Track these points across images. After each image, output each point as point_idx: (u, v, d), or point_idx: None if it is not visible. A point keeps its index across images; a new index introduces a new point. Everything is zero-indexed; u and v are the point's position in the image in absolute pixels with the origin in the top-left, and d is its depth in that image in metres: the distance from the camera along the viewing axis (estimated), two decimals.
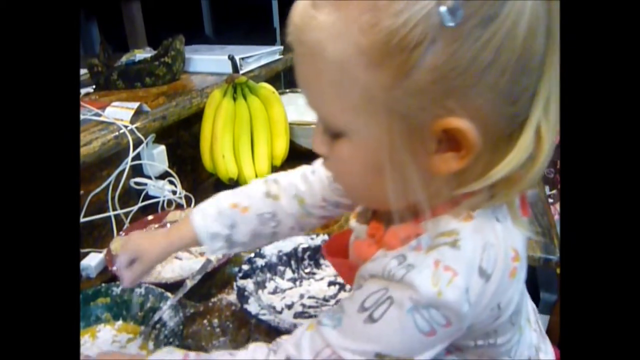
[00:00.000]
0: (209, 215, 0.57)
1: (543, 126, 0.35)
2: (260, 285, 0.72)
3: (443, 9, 0.30)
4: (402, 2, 0.30)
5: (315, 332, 0.40)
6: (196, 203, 0.95)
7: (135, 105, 0.88)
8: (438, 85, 0.32)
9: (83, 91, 1.05)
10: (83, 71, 1.20)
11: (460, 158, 0.35)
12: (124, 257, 0.58)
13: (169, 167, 0.95)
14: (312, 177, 0.58)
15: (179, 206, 0.94)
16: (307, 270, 0.76)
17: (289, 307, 0.69)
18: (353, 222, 0.49)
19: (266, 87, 1.02)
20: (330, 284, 0.74)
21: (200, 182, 1.10)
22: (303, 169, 0.60)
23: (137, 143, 0.87)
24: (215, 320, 0.67)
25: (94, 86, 1.11)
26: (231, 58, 1.03)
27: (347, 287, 0.72)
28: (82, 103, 0.94)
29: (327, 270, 0.76)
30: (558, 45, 0.33)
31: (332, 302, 0.70)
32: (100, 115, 0.87)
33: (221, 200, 0.59)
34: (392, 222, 0.41)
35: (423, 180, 0.36)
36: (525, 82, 0.33)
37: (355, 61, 0.32)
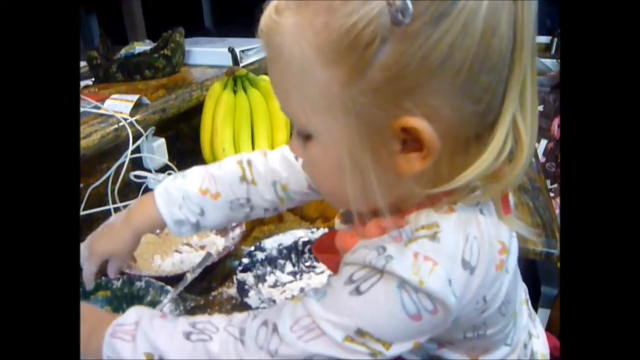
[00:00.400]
0: (174, 201, 0.55)
1: (520, 125, 0.35)
2: (261, 278, 0.72)
3: (392, 8, 0.30)
4: (354, 2, 0.31)
5: (298, 303, 0.40)
6: None
7: (135, 97, 0.88)
8: (392, 84, 0.32)
9: (82, 84, 1.05)
10: (82, 64, 1.19)
11: (423, 158, 0.35)
12: (93, 263, 0.58)
13: (169, 160, 0.95)
14: (297, 162, 0.56)
15: None
16: (307, 264, 0.76)
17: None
18: (337, 224, 0.48)
19: (267, 80, 1.01)
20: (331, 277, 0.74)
21: None
22: (282, 150, 0.59)
23: (137, 136, 0.86)
24: (216, 314, 0.67)
25: (93, 79, 1.10)
26: (231, 50, 1.02)
27: None
28: (81, 95, 0.93)
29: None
30: (530, 40, 0.33)
31: None
32: (99, 108, 0.87)
33: (188, 182, 0.56)
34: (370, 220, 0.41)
35: (386, 182, 0.36)
36: (486, 80, 0.33)
37: (313, 61, 0.33)
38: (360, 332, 0.36)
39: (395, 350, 0.37)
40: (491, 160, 0.34)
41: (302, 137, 0.39)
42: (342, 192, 0.38)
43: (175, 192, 0.55)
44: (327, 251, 0.50)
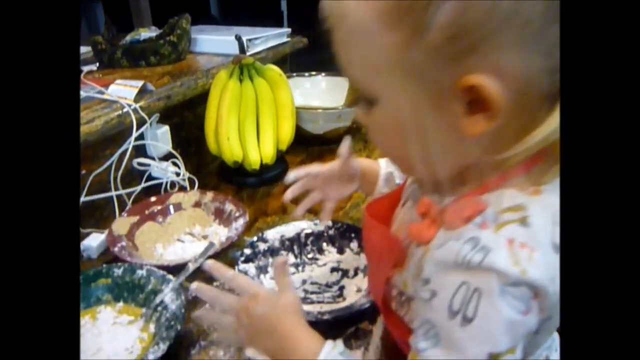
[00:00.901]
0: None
1: None
2: (262, 269, 0.71)
3: None
4: None
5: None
6: (200, 186, 0.95)
7: (140, 83, 0.87)
8: (454, 43, 0.31)
9: (86, 69, 1.03)
10: (87, 49, 1.18)
11: (488, 119, 0.33)
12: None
13: (173, 148, 0.94)
14: None
15: (182, 188, 0.93)
16: (309, 256, 0.75)
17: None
18: (409, 182, 0.48)
19: (273, 69, 1.00)
20: (333, 270, 0.73)
21: (204, 164, 1.08)
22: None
23: (141, 123, 0.85)
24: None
25: (97, 64, 1.09)
26: (238, 38, 1.00)
27: (350, 273, 0.72)
28: (84, 80, 0.92)
29: (330, 256, 0.76)
30: None
31: (335, 288, 0.70)
32: (103, 93, 0.85)
33: None
34: (441, 194, 0.40)
35: (449, 146, 0.36)
36: (557, 33, 0.31)
37: (375, 25, 0.33)
38: (493, 355, 0.34)
39: (522, 349, 0.35)
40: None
41: (366, 103, 0.39)
42: (406, 156, 0.38)
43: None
44: (378, 216, 0.48)
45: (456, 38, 0.31)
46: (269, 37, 1.27)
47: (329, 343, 0.45)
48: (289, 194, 0.70)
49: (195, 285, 0.53)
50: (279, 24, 2.79)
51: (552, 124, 0.33)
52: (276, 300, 0.50)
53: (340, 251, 0.76)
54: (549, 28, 0.31)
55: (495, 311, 0.33)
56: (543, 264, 0.33)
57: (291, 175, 0.70)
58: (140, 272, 0.67)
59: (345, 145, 0.66)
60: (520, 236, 0.33)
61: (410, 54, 0.33)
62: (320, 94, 1.28)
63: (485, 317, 0.33)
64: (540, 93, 0.34)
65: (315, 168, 0.70)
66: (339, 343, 0.45)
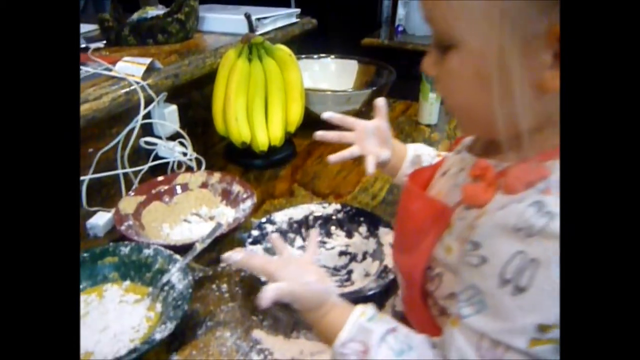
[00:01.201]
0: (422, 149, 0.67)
1: None
2: (270, 251, 0.70)
3: None
4: None
5: (462, 327, 0.37)
6: (207, 166, 0.94)
7: (148, 61, 0.85)
8: None
9: (93, 46, 1.02)
10: (93, 27, 1.16)
11: None
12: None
13: (180, 128, 0.92)
14: None
15: (189, 168, 0.92)
16: (317, 239, 0.74)
17: None
18: (465, 153, 0.46)
19: (283, 49, 0.98)
20: (341, 253, 0.72)
21: (212, 145, 1.07)
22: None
23: (149, 101, 0.84)
24: (224, 286, 0.66)
25: (104, 41, 1.07)
26: (247, 16, 0.98)
27: (359, 257, 0.71)
28: (91, 57, 0.90)
29: (338, 240, 0.75)
30: None
31: (343, 272, 0.69)
32: (110, 70, 0.84)
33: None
34: (501, 159, 0.39)
35: (529, 98, 0.35)
36: None
37: None
38: (542, 327, 0.33)
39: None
40: None
41: (440, 49, 0.39)
42: (479, 107, 0.38)
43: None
44: (419, 182, 0.49)
45: None
46: (278, 17, 1.25)
47: (359, 308, 0.44)
48: (327, 136, 0.68)
49: (227, 255, 0.50)
50: (286, 6, 2.75)
51: None
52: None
53: (349, 235, 0.75)
54: None
55: (551, 282, 0.32)
56: None
57: (326, 114, 0.68)
58: (147, 252, 0.66)
59: (382, 100, 0.67)
60: None
61: None
62: (329, 76, 1.26)
63: (539, 287, 0.32)
64: None
65: (350, 118, 0.68)
66: (369, 309, 0.44)
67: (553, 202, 0.33)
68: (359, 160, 1.02)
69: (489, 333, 0.35)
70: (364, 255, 0.71)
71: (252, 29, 1.00)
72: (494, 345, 0.35)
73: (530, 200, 0.34)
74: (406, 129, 1.17)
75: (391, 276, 0.62)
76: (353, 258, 0.71)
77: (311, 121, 1.10)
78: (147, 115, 0.85)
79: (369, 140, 0.66)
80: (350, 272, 0.69)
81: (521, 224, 0.33)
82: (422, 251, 0.43)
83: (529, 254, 0.33)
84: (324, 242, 0.75)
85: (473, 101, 0.39)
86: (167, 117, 0.89)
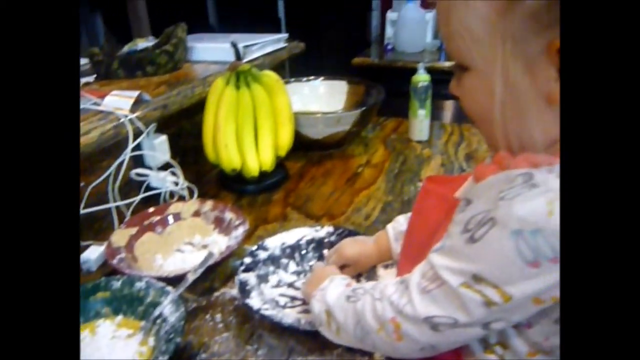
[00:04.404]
0: (399, 219, 0.68)
1: None
2: (263, 278, 0.70)
3: None
4: None
5: (426, 259, 0.43)
6: (199, 194, 0.94)
7: (135, 93, 0.86)
8: (550, 9, 0.35)
9: (83, 80, 1.03)
10: (84, 61, 1.18)
11: None
12: (335, 264, 0.67)
13: (171, 157, 0.93)
14: None
15: (182, 198, 0.92)
16: (311, 263, 0.74)
17: (293, 300, 0.67)
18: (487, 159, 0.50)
19: (270, 75, 0.99)
20: None
21: (204, 173, 1.07)
22: None
23: (138, 133, 0.85)
24: (218, 315, 0.65)
25: (95, 76, 1.09)
26: (234, 45, 1.00)
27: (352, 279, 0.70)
28: (81, 92, 0.91)
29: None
30: None
31: None
32: (99, 105, 0.85)
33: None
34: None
35: (538, 112, 0.39)
36: None
37: None
38: (476, 278, 0.37)
39: (515, 303, 0.36)
40: None
41: (459, 71, 0.43)
42: (495, 122, 0.41)
43: (401, 218, 0.68)
44: (438, 183, 0.52)
45: (551, 5, 0.35)
46: (265, 43, 1.27)
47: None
48: None
49: None
50: (277, 31, 2.80)
51: None
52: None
53: None
54: None
55: (499, 244, 0.35)
56: None
57: None
58: (139, 284, 0.66)
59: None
60: None
61: (508, 20, 0.37)
62: (318, 98, 1.28)
63: (487, 244, 0.36)
64: None
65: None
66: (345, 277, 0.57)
67: (543, 177, 0.35)
68: (351, 181, 1.03)
69: (436, 266, 0.40)
70: (357, 277, 0.70)
71: (239, 57, 1.01)
72: (434, 277, 0.40)
73: (523, 171, 0.36)
74: (398, 146, 1.18)
75: None
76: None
77: (302, 144, 1.11)
78: (137, 147, 0.86)
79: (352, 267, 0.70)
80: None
81: (503, 187, 0.36)
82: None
83: (491, 213, 0.36)
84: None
85: (489, 117, 0.42)
86: (157, 148, 0.89)
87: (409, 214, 0.67)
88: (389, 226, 0.69)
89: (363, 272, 0.70)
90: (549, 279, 0.35)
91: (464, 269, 0.38)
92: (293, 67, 1.51)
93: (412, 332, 0.42)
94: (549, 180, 0.34)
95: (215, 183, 1.03)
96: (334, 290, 0.53)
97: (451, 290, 0.39)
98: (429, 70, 1.16)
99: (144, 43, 1.22)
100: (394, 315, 0.43)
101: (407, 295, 0.42)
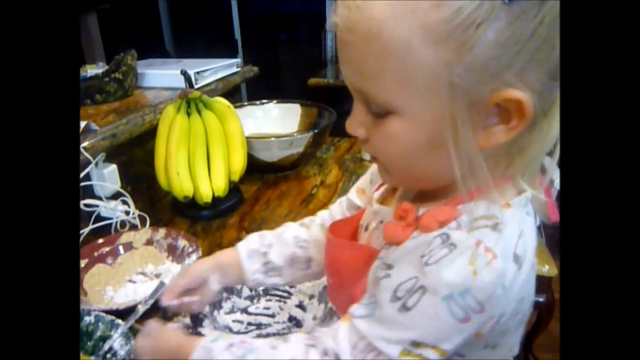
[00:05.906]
0: (251, 238, 0.63)
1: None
2: (216, 305, 0.70)
3: None
4: None
5: (350, 324, 0.41)
6: (153, 222, 0.93)
7: (82, 124, 0.85)
8: (499, 60, 0.34)
9: None
10: None
11: (510, 130, 0.37)
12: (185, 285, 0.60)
13: (123, 186, 0.92)
14: (336, 208, 0.64)
15: (133, 227, 0.91)
16: (264, 288, 0.75)
17: (248, 325, 0.67)
18: (376, 206, 0.50)
19: (221, 102, 1.00)
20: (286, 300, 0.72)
21: (157, 199, 1.07)
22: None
23: (86, 163, 0.84)
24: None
25: None
26: (183, 73, 1.01)
27: (305, 301, 0.71)
28: None
29: (285, 287, 0.75)
30: None
31: (293, 321, 0.69)
32: None
33: (265, 231, 0.65)
34: (423, 202, 0.43)
35: (467, 157, 0.38)
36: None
37: (419, 40, 0.34)
38: (415, 344, 0.37)
39: (448, 354, 0.38)
40: (554, 136, 0.37)
41: (374, 114, 0.40)
42: (420, 168, 0.41)
43: (254, 235, 0.64)
44: (342, 236, 0.51)
45: (502, 55, 0.34)
46: (218, 69, 1.28)
47: (209, 335, 0.48)
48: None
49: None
50: (234, 53, 2.81)
51: (553, 137, 0.37)
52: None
53: None
54: (553, 51, 0.34)
55: (434, 310, 0.36)
56: (498, 271, 0.36)
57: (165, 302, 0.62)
58: (88, 319, 0.65)
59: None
60: (489, 240, 0.36)
61: (455, 69, 0.34)
62: (272, 121, 1.29)
63: (422, 311, 0.37)
64: (543, 109, 0.37)
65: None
66: (217, 334, 0.49)
67: (459, 236, 0.37)
68: (306, 202, 1.04)
69: (369, 336, 0.39)
70: (310, 298, 0.72)
71: (190, 84, 1.02)
72: (369, 349, 0.39)
73: (439, 233, 0.38)
74: (351, 166, 1.21)
75: (336, 318, 0.63)
76: (300, 305, 0.72)
77: (257, 167, 1.12)
78: (87, 177, 0.85)
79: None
80: (297, 320, 0.69)
81: (424, 252, 0.37)
82: (360, 289, 0.46)
83: (420, 280, 0.37)
84: (272, 291, 0.75)
85: (411, 162, 0.41)
86: (107, 178, 0.88)
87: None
88: (241, 247, 0.62)
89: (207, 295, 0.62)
90: (476, 327, 0.37)
91: (402, 337, 0.38)
92: (251, 88, 1.52)
93: None
94: (462, 236, 0.37)
95: (170, 209, 1.03)
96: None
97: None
98: None
99: (93, 70, 1.20)
100: None
101: None
